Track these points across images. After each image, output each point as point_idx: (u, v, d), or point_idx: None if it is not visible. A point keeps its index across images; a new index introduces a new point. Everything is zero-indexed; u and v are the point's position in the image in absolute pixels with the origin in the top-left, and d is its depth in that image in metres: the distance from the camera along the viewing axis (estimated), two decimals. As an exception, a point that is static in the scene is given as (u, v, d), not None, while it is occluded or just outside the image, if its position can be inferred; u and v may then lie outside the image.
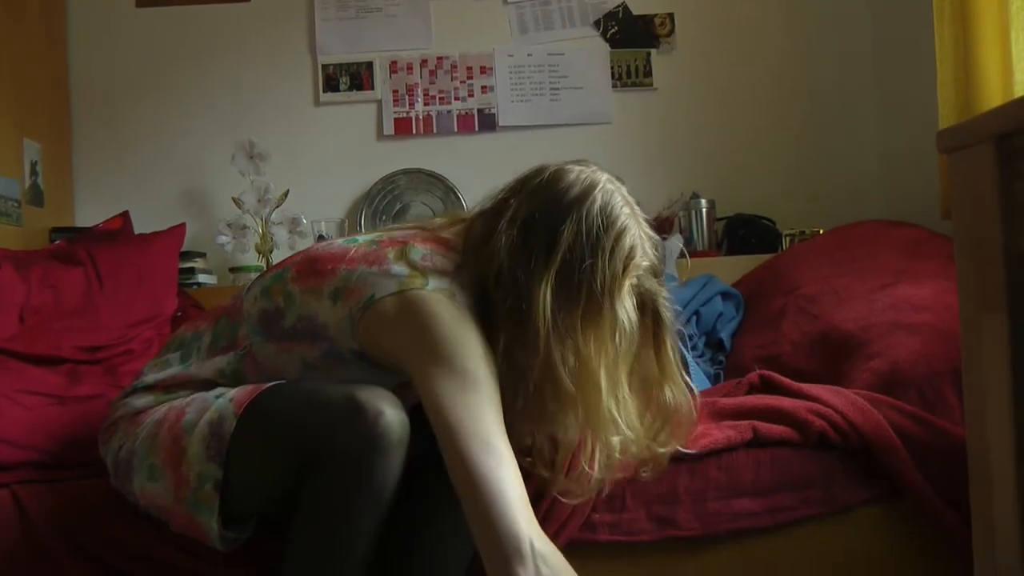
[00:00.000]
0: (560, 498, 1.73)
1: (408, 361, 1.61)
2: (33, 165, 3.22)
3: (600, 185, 1.70)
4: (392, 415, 1.56)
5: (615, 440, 1.72)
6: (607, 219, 1.67)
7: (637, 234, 1.70)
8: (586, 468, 1.73)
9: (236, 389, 1.68)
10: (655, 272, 1.76)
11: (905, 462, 1.92)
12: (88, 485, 1.89)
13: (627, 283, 1.69)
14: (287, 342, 1.73)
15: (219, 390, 1.71)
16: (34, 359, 2.15)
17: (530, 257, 1.64)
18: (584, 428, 1.68)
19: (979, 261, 1.45)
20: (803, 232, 3.31)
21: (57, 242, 3.07)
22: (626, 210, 1.71)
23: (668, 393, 1.79)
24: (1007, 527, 1.55)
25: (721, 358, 2.71)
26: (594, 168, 1.75)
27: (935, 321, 2.22)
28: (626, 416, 1.69)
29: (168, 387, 1.80)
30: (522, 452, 1.65)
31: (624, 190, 1.75)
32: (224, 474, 1.62)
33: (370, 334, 1.65)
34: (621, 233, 1.67)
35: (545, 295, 1.61)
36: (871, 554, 1.96)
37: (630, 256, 1.68)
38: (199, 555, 1.76)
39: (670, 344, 1.80)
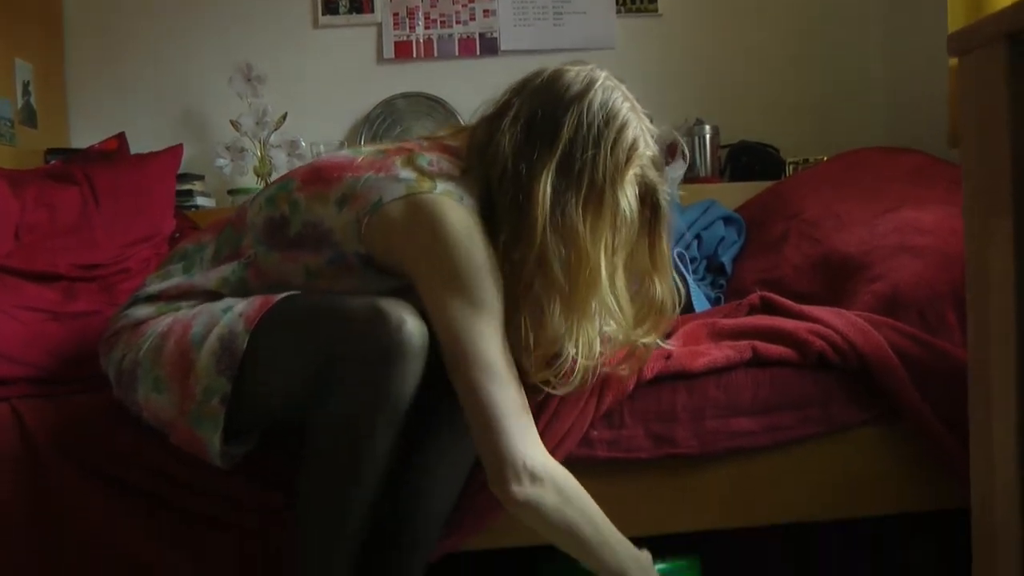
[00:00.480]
0: (545, 388, 1.73)
1: (418, 277, 1.64)
2: (25, 85, 3.18)
3: (600, 81, 1.71)
4: (413, 324, 1.57)
5: (601, 330, 1.73)
6: (608, 113, 1.68)
7: (639, 127, 1.72)
8: (570, 357, 1.72)
9: (244, 302, 1.67)
10: (656, 164, 1.77)
11: (904, 383, 1.92)
12: (86, 400, 1.89)
13: (630, 172, 1.70)
14: (292, 250, 1.73)
15: (226, 302, 1.70)
16: (30, 275, 2.13)
17: (532, 151, 1.65)
18: (571, 317, 1.67)
19: (987, 165, 1.43)
20: (807, 160, 3.28)
21: (52, 162, 3.04)
22: (626, 104, 1.72)
23: (658, 287, 1.81)
24: (1006, 446, 1.55)
25: (722, 282, 2.70)
26: (592, 66, 1.76)
27: (938, 244, 2.20)
28: (619, 306, 1.71)
29: (171, 297, 1.79)
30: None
31: (624, 88, 1.75)
32: (232, 388, 1.63)
33: (377, 238, 1.65)
34: (624, 125, 1.68)
35: (545, 185, 1.63)
36: (868, 474, 1.97)
37: (633, 147, 1.69)
38: (198, 467, 1.75)
39: (666, 238, 1.81)
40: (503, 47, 3.58)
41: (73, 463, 1.82)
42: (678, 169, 3.12)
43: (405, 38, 3.56)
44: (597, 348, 1.72)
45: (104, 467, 1.82)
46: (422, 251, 1.62)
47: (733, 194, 3.16)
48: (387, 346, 1.55)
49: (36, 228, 2.26)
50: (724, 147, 3.45)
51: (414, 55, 3.57)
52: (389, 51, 3.56)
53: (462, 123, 3.37)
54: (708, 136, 3.35)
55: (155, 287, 1.81)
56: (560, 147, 1.65)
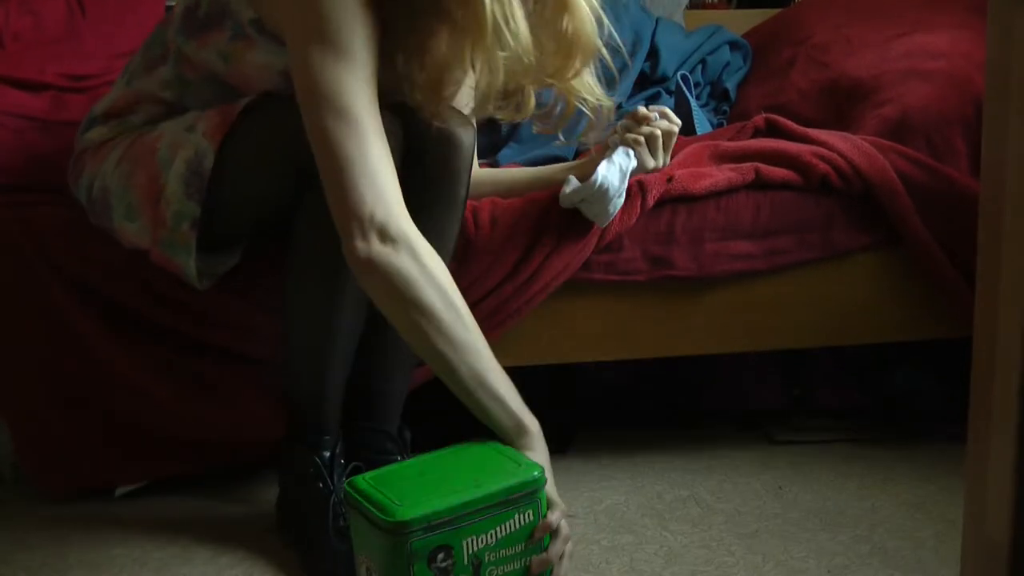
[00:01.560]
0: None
1: (288, 30, 1.55)
2: None
3: None
4: (389, 119, 1.53)
5: (501, 59, 1.55)
6: None
7: None
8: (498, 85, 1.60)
9: (203, 119, 1.64)
10: None
11: (907, 208, 1.91)
12: (73, 213, 1.85)
13: None
14: (203, 33, 1.67)
15: (187, 120, 1.67)
16: (16, 83, 2.08)
17: None
18: (463, 41, 1.53)
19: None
20: (818, -13, 3.19)
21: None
22: None
23: (566, 20, 1.64)
24: (1016, 278, 1.51)
25: (725, 108, 2.65)
26: None
27: (950, 68, 2.14)
28: (514, 29, 1.52)
29: (120, 112, 1.76)
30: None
31: None
32: (207, 207, 1.61)
33: None
34: None
35: None
36: (867, 300, 1.97)
37: None
38: (181, 281, 1.74)
39: None
40: None
41: (62, 276, 1.82)
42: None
43: None
44: (500, 75, 1.57)
45: (91, 281, 1.82)
46: (295, 4, 1.51)
47: (741, 20, 3.07)
48: None
49: (21, 36, 2.19)
50: (732, -29, 3.35)
51: None
52: None
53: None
54: (717, -41, 3.25)
55: (102, 106, 1.78)
56: None
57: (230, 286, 1.78)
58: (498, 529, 1.40)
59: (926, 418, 2.10)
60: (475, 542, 1.38)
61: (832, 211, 1.93)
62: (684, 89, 2.40)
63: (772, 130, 2.13)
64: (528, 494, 1.41)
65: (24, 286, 1.82)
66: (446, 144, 1.64)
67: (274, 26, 1.60)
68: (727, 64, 2.74)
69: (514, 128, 2.62)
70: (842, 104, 2.29)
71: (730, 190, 1.91)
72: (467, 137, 1.66)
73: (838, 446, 2.05)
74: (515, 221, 1.84)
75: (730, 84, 2.69)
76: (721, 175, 1.91)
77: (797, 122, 2.17)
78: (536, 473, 1.43)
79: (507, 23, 1.50)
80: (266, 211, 1.68)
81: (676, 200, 1.89)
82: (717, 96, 2.69)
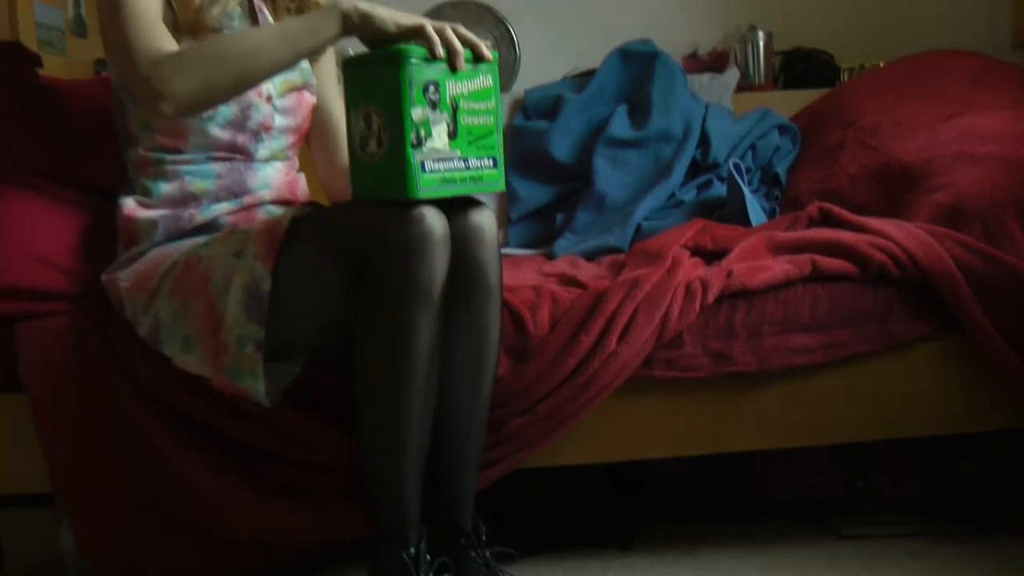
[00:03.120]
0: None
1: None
2: (76, -5, 3.18)
3: None
4: (433, 215, 1.60)
5: None
6: None
7: None
8: None
9: (251, 242, 1.70)
10: None
11: (966, 296, 1.90)
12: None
13: None
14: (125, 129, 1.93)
15: (231, 244, 1.73)
16: (90, 189, 2.12)
17: None
18: None
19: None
20: (862, 66, 3.21)
21: (102, 74, 3.04)
22: None
23: None
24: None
25: (777, 193, 2.67)
26: None
27: (1001, 152, 2.16)
28: None
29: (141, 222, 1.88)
30: None
31: None
32: (268, 327, 1.66)
33: None
34: None
35: None
36: (927, 391, 1.95)
37: None
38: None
39: None
40: (551, -50, 3.50)
41: (134, 383, 1.83)
42: (731, 78, 3.08)
43: (454, -57, 3.49)
44: None
45: (162, 391, 1.83)
46: None
47: (787, 102, 3.09)
48: (414, 238, 1.58)
49: (96, 141, 2.24)
50: (778, 54, 3.37)
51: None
52: (437, -44, 3.50)
53: (511, 30, 3.37)
54: (761, 43, 3.27)
55: (124, 256, 1.89)
56: None
57: (298, 399, 1.80)
58: (468, 83, 1.63)
59: (992, 511, 2.07)
60: (454, 86, 1.61)
61: (890, 301, 1.93)
62: (737, 178, 2.42)
63: (826, 219, 2.15)
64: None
65: (96, 391, 1.84)
66: (471, 236, 1.70)
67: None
68: (777, 148, 2.77)
69: (568, 219, 2.66)
70: (894, 189, 2.31)
71: (788, 283, 1.92)
72: (488, 225, 1.73)
73: (903, 541, 2.02)
74: (575, 321, 1.86)
75: (780, 169, 2.71)
76: (779, 268, 1.92)
77: (849, 208, 2.18)
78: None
79: None
80: (325, 318, 1.72)
81: (735, 295, 1.90)
82: (768, 181, 2.71)
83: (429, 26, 1.61)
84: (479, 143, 1.64)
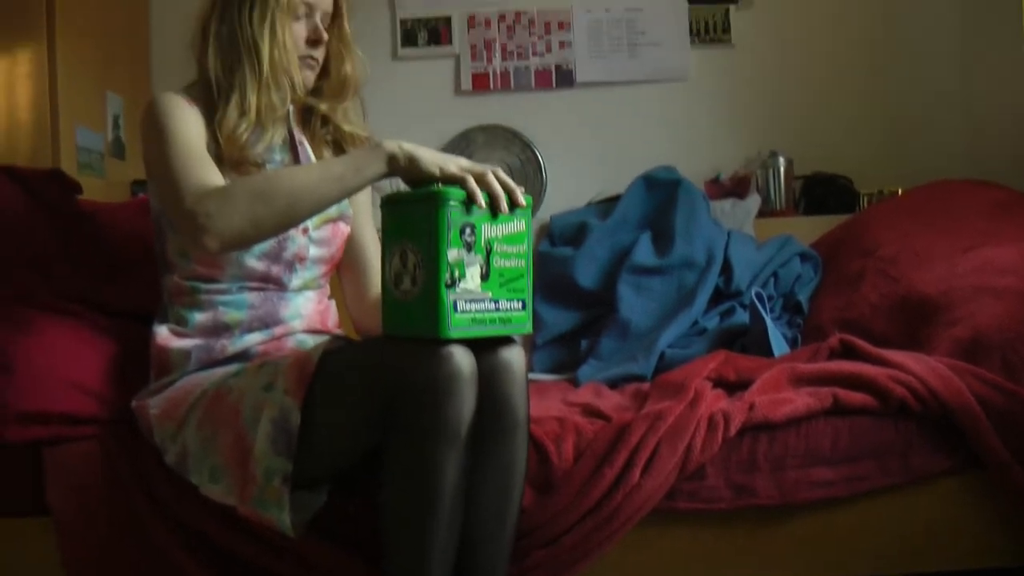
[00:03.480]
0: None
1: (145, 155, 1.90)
2: (115, 118, 3.25)
3: None
4: (462, 354, 1.63)
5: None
6: None
7: None
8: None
9: (281, 376, 1.72)
10: None
11: (987, 432, 1.91)
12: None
13: None
14: (164, 256, 2.00)
15: (262, 378, 1.75)
16: (123, 314, 2.17)
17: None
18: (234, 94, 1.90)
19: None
20: (881, 192, 3.27)
21: (140, 195, 3.10)
22: None
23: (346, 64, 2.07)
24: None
25: (799, 320, 2.70)
26: None
27: (1021, 285, 2.19)
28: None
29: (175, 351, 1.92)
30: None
31: None
32: (296, 459, 1.67)
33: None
34: None
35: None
36: (950, 525, 1.96)
37: None
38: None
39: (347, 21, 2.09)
40: (579, 79, 3.60)
41: (165, 514, 1.85)
42: (753, 204, 3.14)
43: (482, 70, 3.60)
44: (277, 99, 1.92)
45: (192, 521, 1.85)
46: (142, 132, 1.89)
47: (808, 228, 3.15)
48: (442, 377, 1.60)
49: (130, 266, 2.29)
50: (798, 179, 3.43)
51: (491, 87, 3.61)
52: (467, 82, 3.60)
53: (538, 155, 3.44)
54: (782, 168, 3.34)
55: (153, 385, 1.93)
56: None
57: (324, 530, 1.82)
58: (503, 226, 1.68)
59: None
60: (489, 229, 1.66)
61: (911, 435, 1.94)
62: (759, 308, 2.45)
63: (847, 351, 2.18)
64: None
65: (124, 517, 1.86)
66: (500, 372, 1.72)
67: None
68: (798, 276, 2.80)
69: (593, 345, 2.68)
70: (913, 320, 2.33)
71: (809, 416, 1.94)
72: (518, 362, 1.75)
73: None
74: (598, 453, 1.88)
75: (802, 296, 2.74)
76: (800, 402, 1.94)
77: (869, 338, 2.21)
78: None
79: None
80: (352, 450, 1.74)
81: (757, 428, 1.93)
82: (790, 308, 2.74)
83: (471, 178, 1.65)
84: (510, 285, 1.68)
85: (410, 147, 1.71)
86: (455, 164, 1.70)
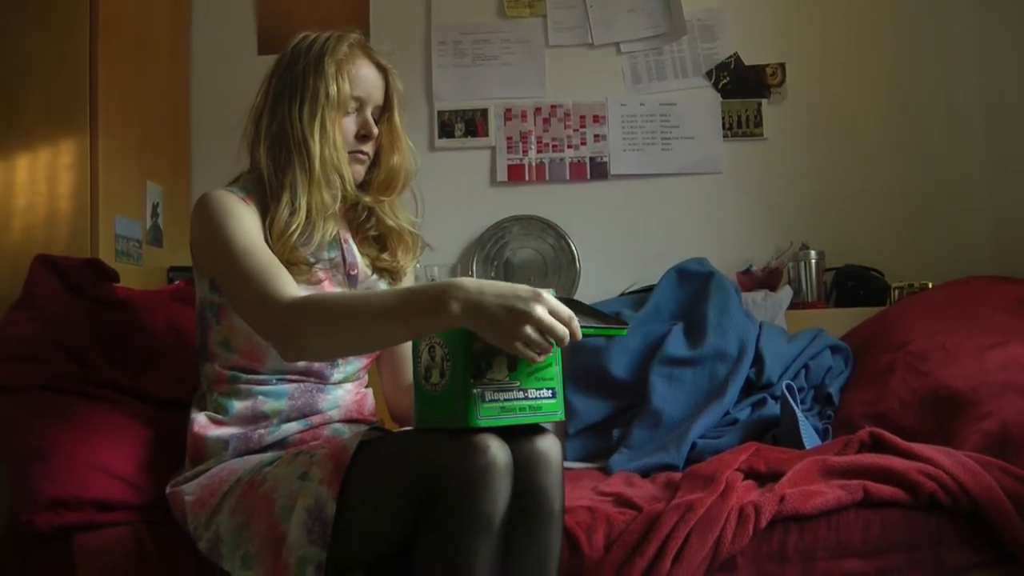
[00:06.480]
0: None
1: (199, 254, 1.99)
2: (155, 207, 3.30)
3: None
4: (497, 446, 1.64)
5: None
6: (307, 40, 2.06)
7: (331, 35, 2.05)
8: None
9: (316, 466, 1.73)
10: (366, 50, 2.11)
11: (1017, 526, 1.92)
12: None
13: (332, 62, 2.00)
14: (205, 345, 2.04)
15: (297, 467, 1.76)
16: (156, 401, 2.22)
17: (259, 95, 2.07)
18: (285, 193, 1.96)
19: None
20: (911, 285, 3.28)
21: (176, 282, 3.14)
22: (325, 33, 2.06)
23: (395, 156, 2.12)
24: None
25: (830, 412, 2.72)
26: None
27: (1042, 383, 2.22)
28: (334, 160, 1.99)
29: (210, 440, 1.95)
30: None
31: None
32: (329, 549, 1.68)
33: (191, 243, 2.01)
34: (316, 38, 2.05)
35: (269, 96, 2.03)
36: (982, 620, 1.96)
37: (325, 45, 2.02)
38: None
39: (397, 113, 2.14)
40: (613, 171, 3.66)
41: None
42: (785, 297, 3.17)
43: (518, 161, 3.67)
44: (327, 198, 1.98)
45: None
46: (195, 225, 1.97)
47: (839, 320, 3.18)
48: (477, 469, 1.61)
49: (165, 353, 2.34)
50: (829, 271, 3.47)
51: (526, 178, 3.66)
52: (502, 174, 3.66)
53: (572, 246, 3.48)
54: (814, 261, 3.38)
55: (191, 470, 1.95)
56: (273, 79, 2.05)
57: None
58: None
59: None
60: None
61: (942, 529, 1.96)
62: (790, 401, 2.48)
63: (877, 444, 2.20)
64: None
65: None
66: (535, 462, 1.73)
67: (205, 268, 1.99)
68: (829, 368, 2.83)
69: (625, 435, 2.71)
70: (942, 415, 2.36)
71: (840, 509, 1.96)
72: (554, 452, 1.77)
73: None
74: (629, 544, 1.90)
75: (833, 389, 2.76)
76: (831, 494, 1.96)
77: (899, 431, 2.23)
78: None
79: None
80: (387, 539, 1.74)
81: (788, 519, 1.94)
82: (821, 400, 2.76)
83: (522, 347, 1.59)
84: (538, 375, 1.71)
85: (476, 297, 1.60)
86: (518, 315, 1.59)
